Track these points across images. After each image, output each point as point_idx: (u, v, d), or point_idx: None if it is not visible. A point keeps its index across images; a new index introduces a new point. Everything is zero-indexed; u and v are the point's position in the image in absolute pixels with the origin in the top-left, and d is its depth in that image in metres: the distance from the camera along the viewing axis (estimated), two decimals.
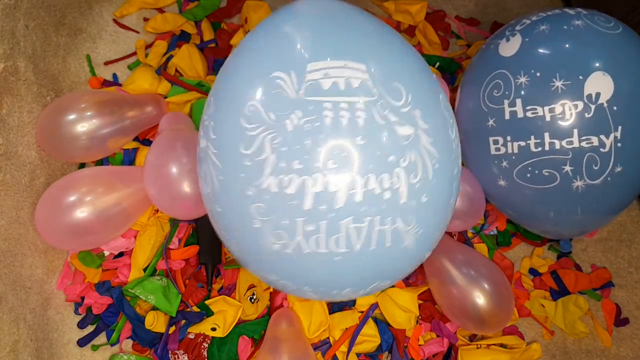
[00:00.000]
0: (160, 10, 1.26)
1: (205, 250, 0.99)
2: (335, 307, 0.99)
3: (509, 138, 0.88)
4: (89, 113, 0.96)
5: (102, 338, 0.97)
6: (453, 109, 1.05)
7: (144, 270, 0.99)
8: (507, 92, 0.87)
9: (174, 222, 1.02)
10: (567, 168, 0.84)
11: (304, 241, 0.65)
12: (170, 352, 0.94)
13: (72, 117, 0.95)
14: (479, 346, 0.98)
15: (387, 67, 0.67)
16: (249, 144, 0.64)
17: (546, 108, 0.83)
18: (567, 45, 0.85)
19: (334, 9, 0.72)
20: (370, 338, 0.97)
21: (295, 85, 0.63)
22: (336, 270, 0.69)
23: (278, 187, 0.63)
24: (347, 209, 0.63)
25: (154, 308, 0.95)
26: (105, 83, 1.15)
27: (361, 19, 0.72)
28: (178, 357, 0.93)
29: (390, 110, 0.64)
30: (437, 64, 1.26)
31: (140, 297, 0.93)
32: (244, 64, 0.70)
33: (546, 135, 0.84)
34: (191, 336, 0.95)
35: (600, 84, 0.81)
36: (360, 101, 0.62)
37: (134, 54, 1.20)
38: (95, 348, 0.95)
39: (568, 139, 0.83)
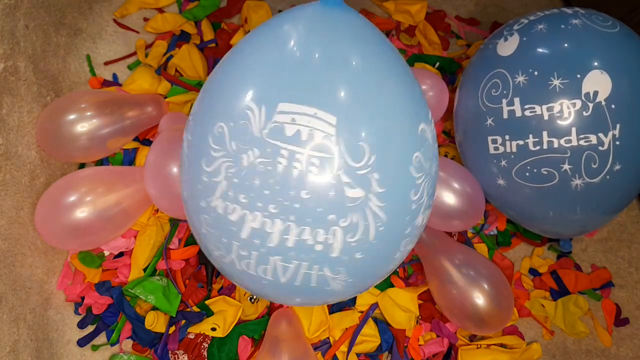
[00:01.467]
0: (160, 10, 1.26)
1: None
2: (335, 307, 0.99)
3: (507, 137, 0.88)
4: (89, 113, 0.96)
5: (102, 338, 0.97)
6: (452, 109, 1.05)
7: (144, 270, 0.99)
8: (505, 92, 0.87)
9: (174, 222, 1.02)
10: (566, 166, 0.84)
11: (237, 261, 0.69)
12: (170, 352, 0.94)
13: (72, 117, 0.95)
14: (479, 346, 0.98)
15: (361, 122, 0.64)
16: (209, 163, 0.66)
17: (544, 107, 0.83)
18: (564, 44, 0.85)
19: (341, 23, 0.68)
20: (370, 338, 0.97)
21: (262, 122, 0.63)
22: (264, 290, 0.74)
23: (223, 210, 0.66)
24: (278, 249, 0.65)
25: (154, 308, 0.95)
26: (105, 83, 1.15)
27: (359, 48, 0.67)
28: (178, 357, 0.93)
29: (344, 171, 0.62)
30: (437, 64, 1.26)
31: (140, 297, 0.93)
32: (229, 77, 0.69)
33: (544, 134, 0.84)
34: (191, 336, 0.95)
35: (598, 83, 0.81)
36: (316, 156, 0.62)
37: (134, 54, 1.20)
38: (95, 348, 0.95)
39: (566, 138, 0.83)
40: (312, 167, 0.62)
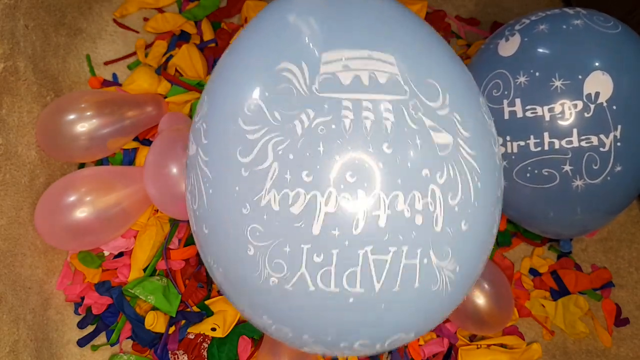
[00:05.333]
0: (160, 10, 1.26)
1: None
2: None
3: (508, 138, 0.88)
4: (88, 113, 0.96)
5: (102, 338, 0.97)
6: None
7: (144, 270, 0.99)
8: (506, 92, 0.87)
9: (174, 222, 1.02)
10: (567, 167, 0.84)
11: (309, 275, 0.52)
12: (170, 352, 0.94)
13: (72, 117, 0.95)
14: (479, 346, 0.98)
15: (418, 59, 0.55)
16: (247, 150, 0.53)
17: (545, 108, 0.83)
18: (566, 45, 0.85)
19: None
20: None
21: (307, 78, 0.52)
22: (348, 317, 0.55)
23: (281, 204, 0.51)
24: (367, 236, 0.51)
25: (154, 308, 0.95)
26: (105, 83, 1.15)
27: (381, 3, 0.60)
28: (178, 357, 0.93)
29: (424, 113, 0.52)
30: None
31: (140, 297, 0.93)
32: (243, 58, 0.60)
33: (546, 135, 0.84)
34: (191, 336, 0.95)
35: (599, 84, 0.81)
36: (388, 100, 0.51)
37: (134, 54, 1.20)
38: (95, 348, 0.95)
39: (567, 139, 0.83)
40: (386, 113, 0.51)
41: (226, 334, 0.94)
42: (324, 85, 0.52)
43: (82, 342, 0.95)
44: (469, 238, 0.56)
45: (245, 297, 0.61)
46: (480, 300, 0.91)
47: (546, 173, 0.86)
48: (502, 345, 0.99)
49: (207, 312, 0.96)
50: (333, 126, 0.51)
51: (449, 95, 0.54)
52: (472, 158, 0.55)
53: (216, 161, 0.57)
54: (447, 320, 0.99)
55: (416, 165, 0.51)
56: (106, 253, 1.00)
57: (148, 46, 1.21)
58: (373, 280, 0.53)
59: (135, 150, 1.08)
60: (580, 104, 0.82)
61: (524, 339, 1.02)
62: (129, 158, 1.08)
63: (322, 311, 0.55)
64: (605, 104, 0.81)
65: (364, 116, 0.51)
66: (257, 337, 0.96)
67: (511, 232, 1.12)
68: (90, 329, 0.97)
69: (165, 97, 1.13)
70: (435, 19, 1.33)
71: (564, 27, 0.86)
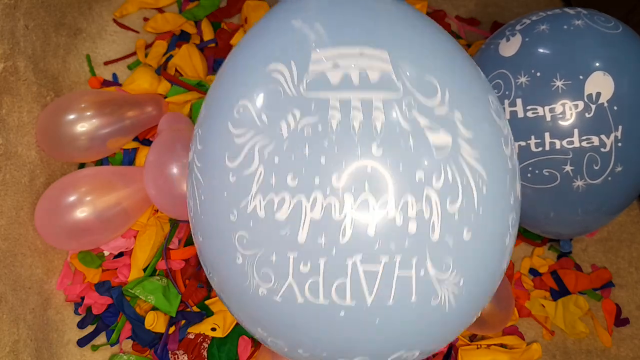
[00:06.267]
0: (160, 10, 1.25)
1: None
2: None
3: None
4: (88, 113, 0.96)
5: (102, 338, 0.97)
6: None
7: (144, 270, 0.99)
8: (507, 92, 0.87)
9: (174, 222, 1.02)
10: (568, 168, 0.84)
11: (297, 286, 0.50)
12: (170, 352, 0.93)
13: (72, 117, 0.95)
14: (479, 346, 0.98)
15: (416, 54, 0.52)
16: (235, 154, 0.51)
17: (546, 108, 0.83)
18: (567, 45, 0.85)
19: None
20: None
21: (295, 79, 0.50)
22: (341, 332, 0.52)
23: (266, 210, 0.49)
24: (356, 243, 0.48)
25: (154, 308, 0.95)
26: (105, 83, 1.15)
27: None
28: (178, 357, 0.93)
29: (419, 111, 0.49)
30: None
31: (140, 297, 0.93)
32: (237, 61, 0.59)
33: (546, 135, 0.84)
34: (191, 336, 0.95)
35: (600, 84, 0.81)
36: (378, 98, 0.48)
37: (134, 54, 1.20)
38: (95, 348, 0.95)
39: (568, 139, 0.83)
40: (376, 112, 0.48)
41: (226, 334, 0.94)
42: (312, 85, 0.49)
43: (82, 342, 0.95)
44: (473, 248, 0.51)
45: (239, 307, 0.59)
46: None
47: (547, 173, 0.86)
48: (502, 345, 0.99)
49: (207, 312, 0.96)
50: (319, 127, 0.48)
51: (449, 92, 0.51)
52: (476, 160, 0.50)
53: (207, 167, 0.56)
54: None
55: (409, 168, 0.48)
56: (106, 253, 1.00)
57: (148, 46, 1.21)
58: (364, 293, 0.49)
59: (135, 150, 1.08)
60: (581, 104, 0.82)
61: (524, 339, 1.02)
62: (129, 158, 1.08)
63: (313, 325, 0.52)
64: (606, 104, 0.81)
65: (352, 116, 0.48)
66: None
67: None
68: (90, 329, 0.97)
69: (165, 97, 1.13)
70: (435, 19, 1.33)
71: (565, 27, 0.86)
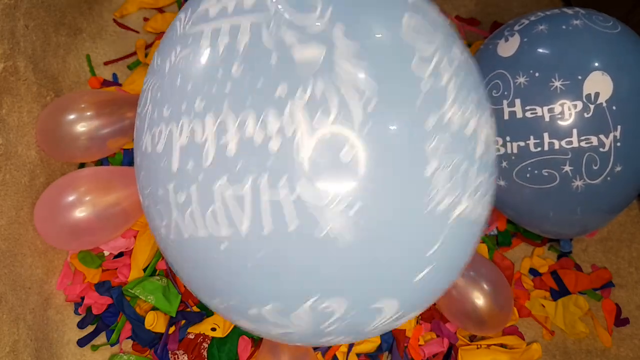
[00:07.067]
0: (160, 10, 1.26)
1: None
2: None
3: (508, 138, 0.88)
4: (89, 113, 0.96)
5: (102, 338, 0.97)
6: None
7: (144, 270, 0.99)
8: (506, 93, 0.87)
9: None
10: (567, 168, 0.84)
11: (181, 219, 0.47)
12: (170, 352, 0.94)
13: (72, 117, 0.95)
14: (479, 346, 0.98)
15: None
16: (141, 100, 0.55)
17: (545, 108, 0.83)
18: (565, 45, 0.85)
19: None
20: (370, 338, 0.97)
21: (187, 19, 0.52)
22: (230, 269, 0.47)
23: (151, 145, 0.50)
24: (219, 167, 0.45)
25: (154, 308, 0.95)
26: (105, 83, 1.15)
27: None
28: (178, 357, 0.93)
29: (289, 28, 0.45)
30: None
31: (140, 297, 0.93)
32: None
33: (545, 135, 0.84)
34: (191, 336, 0.95)
35: (599, 84, 0.81)
36: (246, 22, 0.46)
37: (134, 53, 1.20)
38: (95, 348, 0.95)
39: (567, 139, 0.83)
40: (242, 35, 0.46)
41: (226, 334, 0.94)
42: (195, 21, 0.51)
43: (82, 342, 0.95)
44: (357, 171, 0.43)
45: (169, 259, 0.57)
46: (480, 300, 0.91)
47: (546, 173, 0.86)
48: (502, 345, 0.99)
49: (207, 312, 0.96)
50: (190, 57, 0.48)
51: (332, 8, 0.46)
52: (363, 71, 0.44)
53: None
54: (447, 320, 0.99)
55: (269, 82, 0.44)
56: (106, 253, 1.00)
57: (148, 46, 1.21)
58: (234, 221, 0.44)
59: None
60: (580, 104, 0.82)
61: (524, 339, 1.02)
62: (128, 158, 1.08)
63: (204, 264, 0.48)
64: (605, 104, 0.81)
65: (219, 42, 0.47)
66: (257, 337, 0.96)
67: (511, 232, 1.12)
68: (90, 329, 0.97)
69: None
70: None
71: (564, 27, 0.86)
